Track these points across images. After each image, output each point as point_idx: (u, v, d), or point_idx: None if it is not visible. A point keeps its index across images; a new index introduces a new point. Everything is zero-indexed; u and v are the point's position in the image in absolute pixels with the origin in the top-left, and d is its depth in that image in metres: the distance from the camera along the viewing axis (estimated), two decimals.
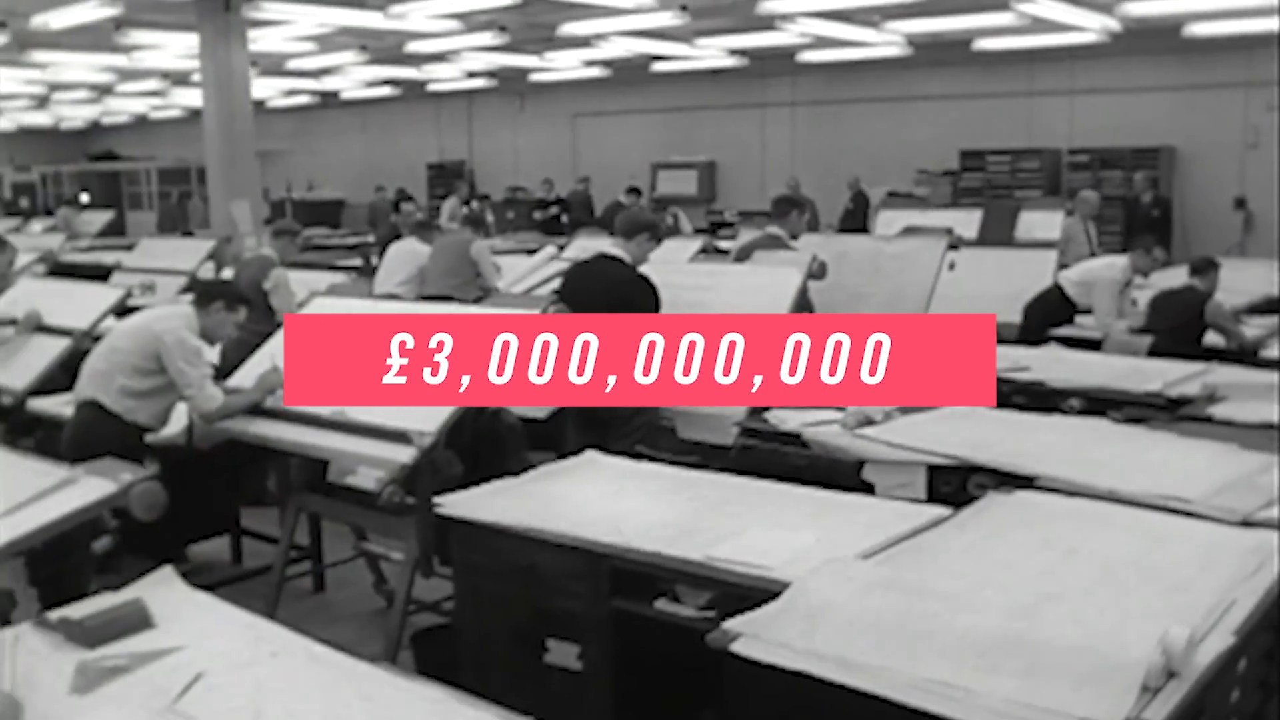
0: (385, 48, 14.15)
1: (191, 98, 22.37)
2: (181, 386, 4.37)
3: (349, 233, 18.17)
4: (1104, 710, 1.99)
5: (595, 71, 17.19)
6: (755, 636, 2.32)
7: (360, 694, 2.29)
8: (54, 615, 2.70)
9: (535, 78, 18.28)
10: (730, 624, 2.40)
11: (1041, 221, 8.19)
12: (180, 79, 18.47)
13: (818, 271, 5.43)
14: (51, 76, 17.35)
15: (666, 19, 11.16)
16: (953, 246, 6.33)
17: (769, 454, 4.31)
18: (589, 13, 11.35)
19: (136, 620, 2.66)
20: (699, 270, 5.30)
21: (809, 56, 14.96)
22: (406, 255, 7.99)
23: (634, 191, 13.63)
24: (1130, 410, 4.79)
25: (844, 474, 4.03)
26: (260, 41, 11.90)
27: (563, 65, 16.32)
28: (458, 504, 3.42)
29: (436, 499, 3.46)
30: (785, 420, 4.37)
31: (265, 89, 20.42)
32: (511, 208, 19.37)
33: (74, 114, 26.81)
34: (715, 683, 3.03)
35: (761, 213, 15.80)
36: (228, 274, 8.59)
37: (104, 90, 20.66)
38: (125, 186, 27.43)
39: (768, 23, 11.80)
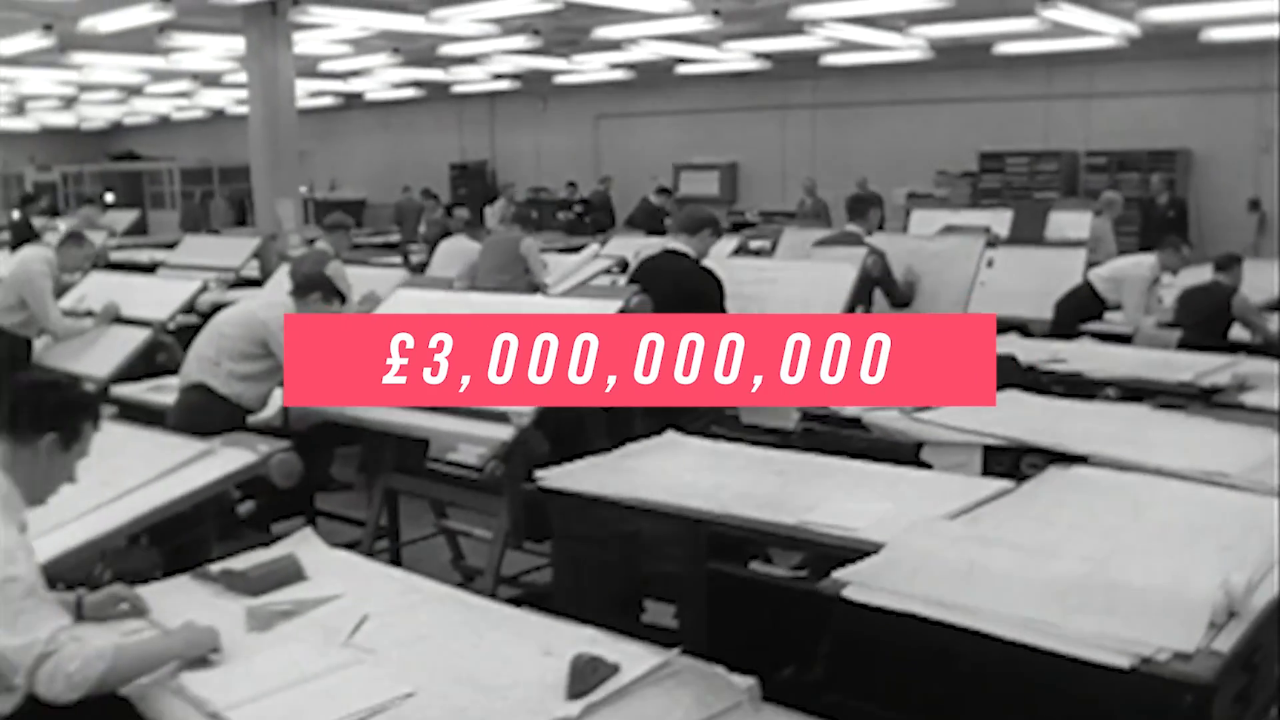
0: (417, 50, 14.45)
1: (215, 99, 22.74)
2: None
3: (372, 231, 18.47)
4: (1178, 641, 2.28)
5: (619, 74, 17.48)
6: (863, 584, 2.61)
7: (516, 633, 2.59)
8: (214, 569, 3.00)
9: (559, 79, 18.57)
10: (838, 574, 2.69)
11: (1071, 222, 8.48)
12: (210, 80, 18.79)
13: (871, 267, 5.70)
14: (84, 78, 17.63)
15: (699, 23, 11.45)
16: (990, 245, 6.61)
17: (829, 436, 4.61)
18: (622, 17, 11.63)
19: (291, 573, 2.96)
20: (759, 265, 5.58)
21: (831, 60, 15.24)
22: (457, 253, 8.29)
23: (664, 192, 13.93)
24: (1164, 399, 5.09)
25: (902, 455, 4.32)
26: (300, 45, 12.18)
27: (589, 68, 16.61)
28: (559, 477, 3.71)
29: (538, 473, 3.75)
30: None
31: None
32: (534, 208, 19.66)
33: (96, 114, 27.13)
34: (798, 638, 3.34)
35: (783, 213, 16.19)
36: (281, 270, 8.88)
37: (133, 91, 20.96)
38: (147, 186, 27.76)
39: (796, 27, 12.09)
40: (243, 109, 24.16)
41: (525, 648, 2.49)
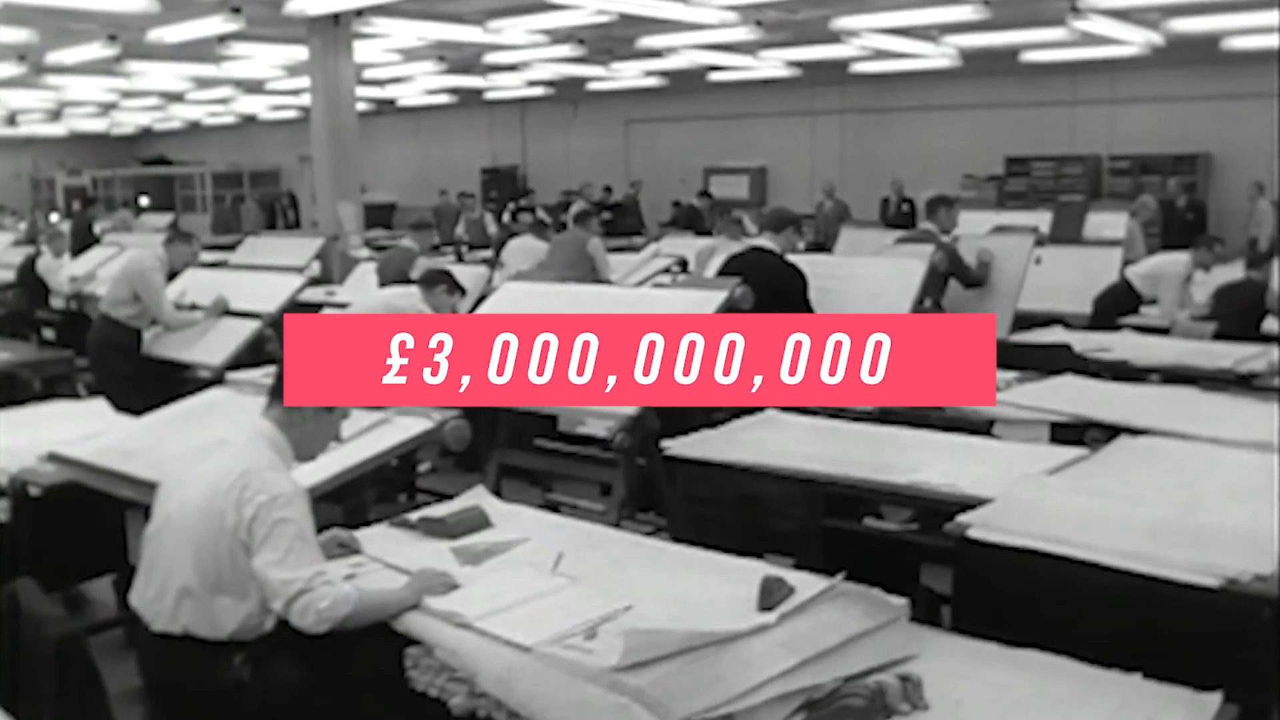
0: (462, 58, 14.94)
1: (251, 105, 23.24)
2: None
3: (402, 233, 18.96)
4: (1257, 565, 2.75)
5: (652, 80, 17.96)
6: (985, 526, 3.08)
7: (694, 564, 3.06)
8: (411, 517, 3.48)
9: (591, 85, 19.05)
10: (961, 518, 3.15)
11: (1108, 222, 8.96)
12: (252, 87, 19.28)
13: (939, 263, 6.17)
14: (132, 85, 18.13)
15: (741, 34, 11.93)
16: (1038, 244, 7.07)
17: (908, 413, 5.07)
18: (667, 27, 12.11)
19: (480, 521, 3.43)
20: (833, 263, 6.03)
21: (861, 67, 15.72)
22: (526, 251, 8.79)
23: (705, 195, 14.46)
24: (1206, 383, 5.56)
25: (976, 431, 4.78)
26: (356, 54, 12.66)
27: (624, 74, 17.08)
28: (683, 447, 4.18)
29: (665, 443, 4.21)
30: None
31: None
32: (565, 211, 20.18)
33: (129, 120, 27.61)
34: (906, 586, 3.80)
35: (811, 216, 16.66)
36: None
37: (174, 97, 21.47)
38: (179, 190, 28.29)
39: (832, 36, 12.56)
40: (275, 114, 24.82)
41: (708, 575, 2.96)
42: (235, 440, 3.03)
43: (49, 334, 9.70)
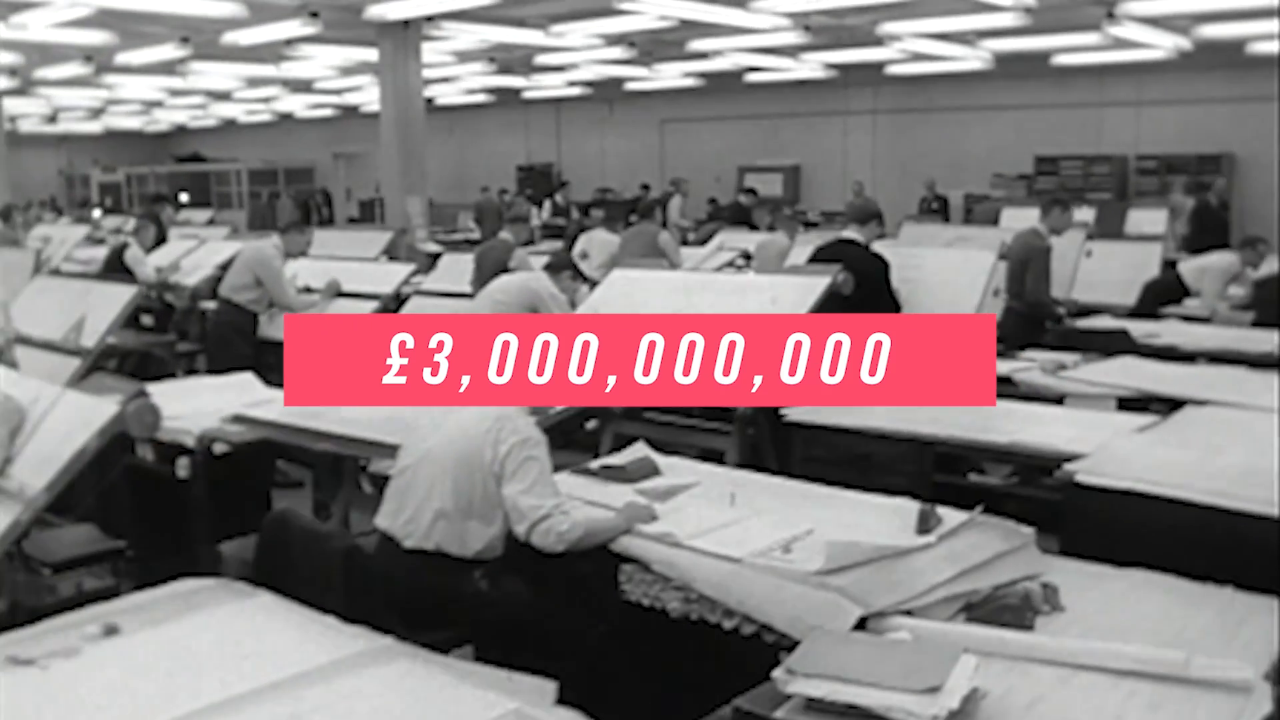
0: (511, 59, 15.52)
1: (290, 103, 23.84)
2: None
3: (440, 230, 19.52)
4: None
5: (689, 81, 18.52)
6: (1089, 473, 3.65)
7: (847, 502, 3.63)
8: (593, 464, 4.05)
9: (628, 86, 19.62)
10: (1068, 467, 3.72)
11: (1148, 219, 9.55)
12: (300, 87, 19.87)
13: (1007, 254, 6.72)
14: (188, 84, 18.72)
15: (789, 38, 12.50)
16: (1089, 238, 7.63)
17: None
18: (716, 31, 12.67)
19: (652, 468, 4.00)
20: (906, 253, 6.55)
21: (895, 69, 16.28)
22: (600, 244, 9.36)
23: (749, 192, 15.04)
24: (1249, 365, 6.11)
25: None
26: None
27: (665, 75, 17.64)
28: (803, 413, 4.75)
29: (782, 410, 4.78)
30: None
31: (364, 96, 21.81)
32: (601, 207, 20.76)
33: (166, 117, 28.21)
34: None
35: (843, 213, 17.20)
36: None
37: (220, 96, 22.06)
38: (215, 186, 28.88)
39: (874, 40, 13.12)
40: (311, 113, 25.36)
41: (862, 509, 3.53)
42: None
43: (147, 320, 10.25)
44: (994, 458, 4.35)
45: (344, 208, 27.23)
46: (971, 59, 15.02)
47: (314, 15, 11.14)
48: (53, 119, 26.49)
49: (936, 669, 2.27)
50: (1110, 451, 3.86)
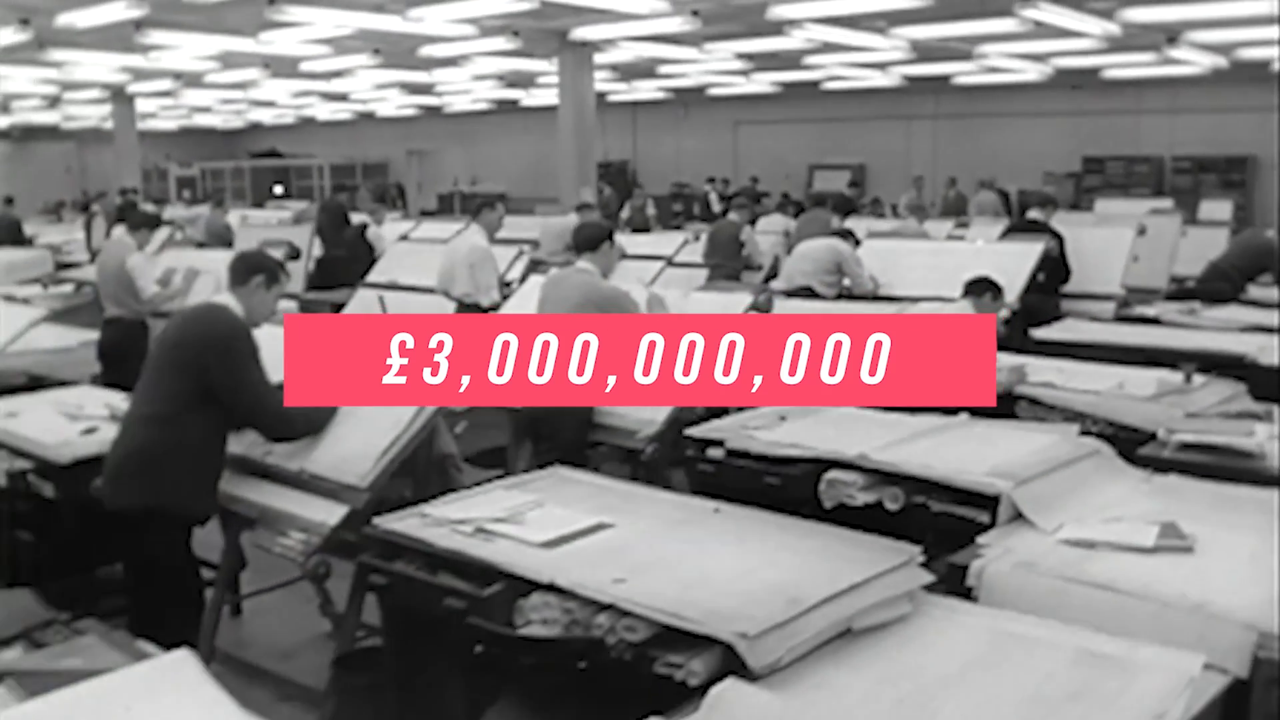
0: (636, 67, 17.78)
1: (376, 103, 25.98)
2: None
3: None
4: None
5: (768, 88, 20.83)
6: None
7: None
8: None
9: (709, 92, 21.93)
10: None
11: (1216, 209, 11.97)
12: (419, 89, 21.97)
13: (1051, 249, 8.52)
14: (330, 86, 20.85)
15: (891, 54, 14.84)
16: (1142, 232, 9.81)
17: None
18: (834, 49, 14.96)
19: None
20: (965, 239, 8.75)
21: (960, 80, 18.67)
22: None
23: (855, 185, 17.42)
24: None
25: None
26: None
27: (759, 82, 19.84)
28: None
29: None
30: None
31: (463, 100, 24.03)
32: (678, 201, 23.08)
33: (244, 115, 30.08)
34: None
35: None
36: None
37: (337, 97, 24.05)
38: (295, 181, 30.86)
39: (964, 55, 15.46)
40: (391, 112, 27.45)
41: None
42: None
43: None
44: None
45: (417, 200, 29.38)
46: (1032, 71, 17.41)
47: (515, 34, 13.42)
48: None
49: None
50: None
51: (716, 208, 17.86)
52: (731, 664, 2.49)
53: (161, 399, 3.91)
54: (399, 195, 29.75)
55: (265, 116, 30.28)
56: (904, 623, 2.77)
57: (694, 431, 4.35)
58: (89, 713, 2.34)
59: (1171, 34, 13.41)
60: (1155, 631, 2.62)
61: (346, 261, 11.20)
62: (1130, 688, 2.39)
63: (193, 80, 18.49)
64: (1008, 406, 4.93)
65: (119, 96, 21.45)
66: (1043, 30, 12.40)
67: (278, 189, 28.40)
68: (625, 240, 10.16)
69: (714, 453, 4.22)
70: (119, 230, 8.27)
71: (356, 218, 12.88)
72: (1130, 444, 4.15)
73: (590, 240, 5.61)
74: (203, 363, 3.89)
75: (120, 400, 4.81)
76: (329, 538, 3.72)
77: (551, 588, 2.86)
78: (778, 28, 12.51)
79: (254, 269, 4.18)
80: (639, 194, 16.67)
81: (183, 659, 2.47)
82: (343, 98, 23.87)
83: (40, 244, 14.41)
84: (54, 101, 23.47)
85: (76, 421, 4.76)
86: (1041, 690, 2.41)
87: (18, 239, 15.35)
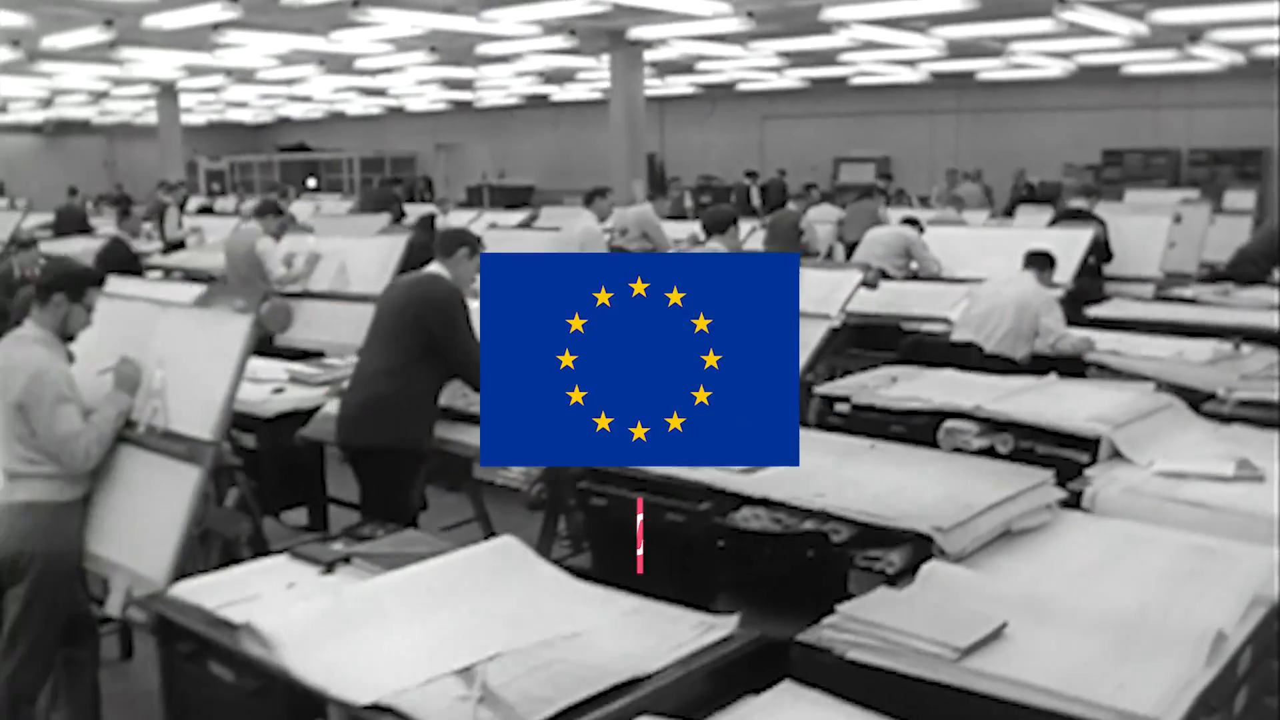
0: (674, 64, 18.46)
1: (411, 99, 26.59)
2: None
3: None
4: None
5: (796, 83, 21.52)
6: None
7: None
8: None
9: (738, 88, 22.60)
10: None
11: (1240, 199, 12.65)
12: (459, 84, 22.58)
13: (1099, 235, 9.29)
14: (376, 82, 21.50)
15: (927, 52, 15.53)
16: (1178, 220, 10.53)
17: None
18: (871, 47, 15.63)
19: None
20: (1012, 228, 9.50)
21: (983, 75, 19.35)
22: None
23: (887, 177, 18.15)
24: None
25: None
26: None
27: (790, 79, 20.52)
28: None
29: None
30: None
31: (497, 95, 24.67)
32: (706, 193, 23.75)
33: (270, 110, 30.65)
34: None
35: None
36: None
37: (374, 92, 24.69)
38: (325, 174, 31.37)
39: (995, 53, 16.13)
40: (420, 106, 28.10)
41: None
42: None
43: None
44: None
45: (444, 192, 29.96)
46: (1055, 68, 18.10)
47: (572, 33, 14.12)
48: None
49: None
50: None
51: (756, 201, 18.60)
52: (920, 556, 3.17)
53: (392, 354, 4.60)
54: (427, 188, 30.48)
55: (295, 111, 30.84)
56: (1046, 528, 3.50)
57: (822, 389, 5.15)
58: (460, 574, 3.03)
59: (1194, 33, 14.10)
60: (1239, 538, 3.32)
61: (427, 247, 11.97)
62: (1234, 569, 3.11)
63: (244, 76, 19.10)
64: (1080, 370, 5.85)
65: (166, 92, 22.06)
66: (1073, 29, 13.08)
67: (310, 182, 28.96)
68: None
69: (841, 407, 5.06)
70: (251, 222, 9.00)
71: (416, 209, 13.50)
72: (1190, 404, 4.84)
73: (720, 223, 6.34)
74: (424, 323, 4.58)
75: (281, 368, 5.78)
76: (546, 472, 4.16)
77: (765, 502, 3.57)
78: (826, 27, 13.17)
79: (459, 242, 4.86)
80: (675, 185, 17.40)
81: (511, 542, 3.16)
82: (380, 93, 24.45)
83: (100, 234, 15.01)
84: (99, 97, 24.03)
85: (260, 384, 5.38)
86: (1167, 570, 3.14)
87: (84, 229, 16.00)
